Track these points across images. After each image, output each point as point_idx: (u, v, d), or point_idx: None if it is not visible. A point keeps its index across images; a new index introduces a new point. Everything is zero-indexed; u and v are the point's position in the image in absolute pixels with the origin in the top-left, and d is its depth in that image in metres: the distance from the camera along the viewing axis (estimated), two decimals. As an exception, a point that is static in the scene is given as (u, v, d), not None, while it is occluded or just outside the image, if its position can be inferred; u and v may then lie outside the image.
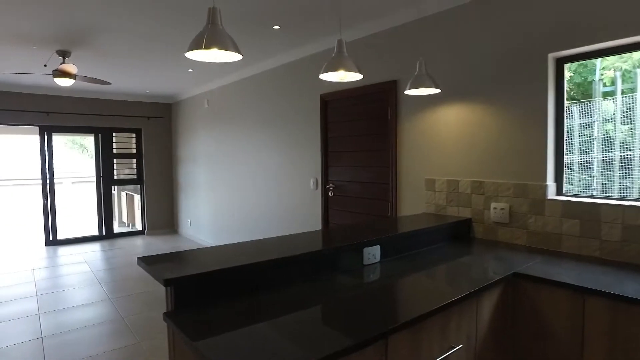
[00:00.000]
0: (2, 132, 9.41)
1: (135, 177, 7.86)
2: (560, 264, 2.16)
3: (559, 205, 2.41)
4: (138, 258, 1.73)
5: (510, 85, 2.63)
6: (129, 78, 5.75)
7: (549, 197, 2.47)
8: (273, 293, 1.70)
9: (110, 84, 4.87)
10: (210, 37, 1.65)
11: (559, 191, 2.52)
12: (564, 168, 2.51)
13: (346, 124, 3.90)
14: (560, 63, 2.47)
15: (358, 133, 3.79)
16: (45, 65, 4.42)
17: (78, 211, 11.14)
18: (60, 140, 13.68)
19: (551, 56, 2.45)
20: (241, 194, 5.67)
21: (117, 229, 8.02)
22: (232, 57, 1.79)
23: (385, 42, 3.48)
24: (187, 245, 6.85)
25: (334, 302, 1.64)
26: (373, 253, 2.18)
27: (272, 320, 1.43)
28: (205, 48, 1.65)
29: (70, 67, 4.17)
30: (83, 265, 5.62)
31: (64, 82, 4.34)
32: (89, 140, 16.42)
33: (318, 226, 4.23)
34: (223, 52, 1.72)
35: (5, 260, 5.98)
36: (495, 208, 2.73)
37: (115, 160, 7.61)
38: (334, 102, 4.01)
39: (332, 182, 4.05)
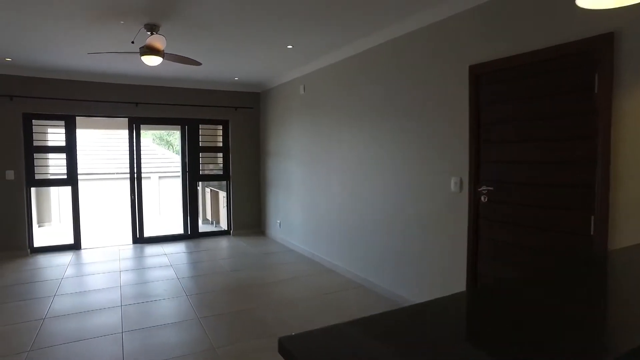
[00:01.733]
0: (94, 127, 9.48)
1: (221, 172, 7.33)
2: None
3: None
4: (280, 344, 0.84)
5: None
6: (219, 60, 5.09)
7: None
8: None
9: (200, 64, 4.22)
10: None
11: None
12: None
13: (511, 104, 2.80)
14: None
15: (533, 115, 2.67)
16: (132, 42, 3.85)
17: (164, 207, 11.09)
18: (147, 136, 13.95)
19: None
20: (345, 194, 4.75)
21: (201, 227, 7.57)
22: None
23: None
24: (279, 250, 6.12)
25: None
26: None
27: None
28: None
29: (158, 41, 3.53)
30: (169, 269, 5.09)
31: (151, 61, 3.73)
32: (174, 137, 16.69)
33: (459, 242, 3.18)
34: None
35: (95, 258, 5.68)
36: None
37: (201, 155, 7.12)
38: (492, 74, 2.92)
39: (487, 183, 2.97)
